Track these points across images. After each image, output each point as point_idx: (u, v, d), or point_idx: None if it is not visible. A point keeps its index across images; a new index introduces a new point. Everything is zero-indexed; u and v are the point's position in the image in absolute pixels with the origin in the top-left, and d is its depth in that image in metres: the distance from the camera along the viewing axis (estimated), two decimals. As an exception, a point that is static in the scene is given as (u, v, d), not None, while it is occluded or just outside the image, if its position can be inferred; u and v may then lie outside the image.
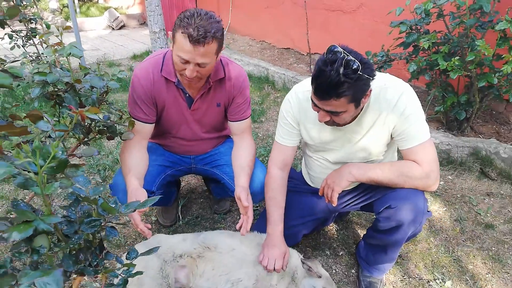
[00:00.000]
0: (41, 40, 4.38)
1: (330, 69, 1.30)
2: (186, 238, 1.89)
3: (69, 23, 8.16)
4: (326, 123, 1.52)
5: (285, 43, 5.64)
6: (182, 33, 1.55)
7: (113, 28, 8.69)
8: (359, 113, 1.56)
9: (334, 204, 1.63)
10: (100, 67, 1.66)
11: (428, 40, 2.72)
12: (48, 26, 4.42)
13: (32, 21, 4.13)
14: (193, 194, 2.65)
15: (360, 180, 1.61)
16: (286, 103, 1.75)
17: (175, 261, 1.77)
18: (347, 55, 1.30)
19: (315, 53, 4.97)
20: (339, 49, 1.33)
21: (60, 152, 0.71)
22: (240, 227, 1.75)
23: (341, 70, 1.29)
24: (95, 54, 6.19)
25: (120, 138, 1.59)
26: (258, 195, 1.99)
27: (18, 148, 0.70)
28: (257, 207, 2.49)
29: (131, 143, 1.81)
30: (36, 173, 0.71)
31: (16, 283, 0.67)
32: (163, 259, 1.74)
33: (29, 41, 4.31)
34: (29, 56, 3.73)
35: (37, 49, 4.39)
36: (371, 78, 1.37)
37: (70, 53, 1.36)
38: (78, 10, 9.28)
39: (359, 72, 1.30)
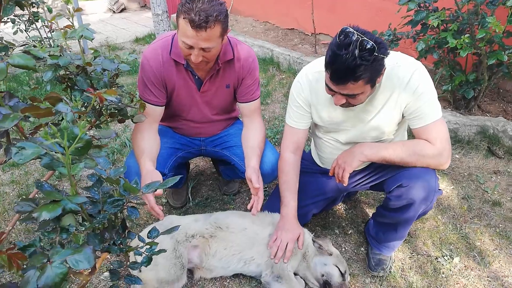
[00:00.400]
0: (43, 24, 4.37)
1: (345, 53, 1.29)
2: (198, 218, 1.93)
3: (69, 7, 8.07)
4: (341, 105, 1.52)
5: (289, 23, 5.57)
6: (184, 18, 1.53)
7: (114, 11, 8.59)
8: (370, 95, 1.56)
9: (345, 184, 1.64)
10: (104, 51, 1.66)
11: (437, 18, 2.68)
12: (50, 10, 4.39)
13: (34, 5, 4.09)
14: (202, 176, 2.68)
15: (372, 160, 1.62)
16: (297, 85, 1.74)
17: (188, 241, 1.81)
18: (361, 37, 1.29)
19: (320, 33, 4.91)
20: (352, 30, 1.31)
21: (86, 133, 0.72)
22: (251, 208, 1.77)
23: (357, 52, 1.28)
24: (97, 38, 6.11)
25: (132, 121, 1.60)
26: (269, 176, 2.00)
27: (43, 129, 0.71)
28: (266, 187, 2.51)
29: (142, 126, 1.82)
30: (62, 154, 0.72)
31: (48, 260, 0.69)
32: (176, 239, 1.78)
33: (31, 26, 4.28)
34: (32, 40, 3.70)
35: (39, 33, 4.36)
36: (385, 57, 1.36)
37: (82, 36, 1.35)
38: (78, -7, 9.14)
39: (375, 53, 1.29)
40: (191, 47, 1.60)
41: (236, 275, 1.87)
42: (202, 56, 1.64)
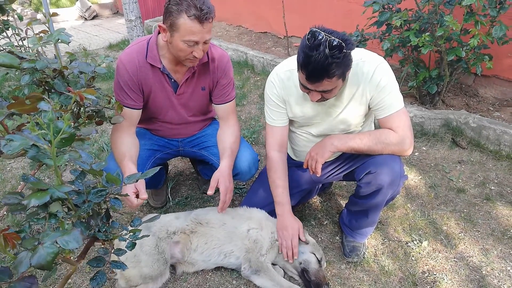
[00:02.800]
0: (14, 32, 4.31)
1: (317, 53, 1.38)
2: (179, 216, 1.98)
3: (39, 15, 7.94)
4: (317, 100, 1.61)
5: (262, 27, 5.68)
6: (188, 17, 1.59)
7: (85, 19, 8.51)
8: (342, 87, 1.65)
9: (318, 175, 1.74)
10: (78, 57, 1.70)
11: (400, 18, 2.84)
12: (20, 18, 4.34)
13: (4, 13, 4.03)
14: (181, 177, 2.73)
15: (341, 150, 1.73)
16: (269, 84, 1.83)
17: (169, 237, 1.86)
18: (329, 36, 1.39)
19: (292, 36, 5.05)
20: (319, 30, 1.41)
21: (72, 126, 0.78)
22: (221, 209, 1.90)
23: (327, 52, 1.37)
24: (70, 45, 6.07)
25: (110, 122, 1.64)
26: (246, 174, 2.08)
27: (30, 122, 0.76)
28: (244, 185, 2.58)
29: (120, 129, 1.86)
30: (49, 144, 0.78)
31: (39, 243, 0.74)
32: (157, 236, 1.83)
33: (2, 34, 4.22)
34: (5, 48, 3.66)
35: (10, 41, 4.30)
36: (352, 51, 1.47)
37: (59, 39, 1.40)
38: (48, 0, 9.01)
39: (344, 50, 1.39)
40: (195, 44, 1.66)
41: (217, 268, 1.93)
42: (202, 51, 1.70)
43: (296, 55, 1.55)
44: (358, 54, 1.63)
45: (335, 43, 1.38)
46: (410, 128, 1.68)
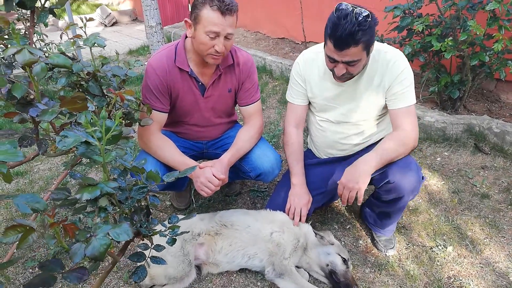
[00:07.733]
0: (39, 38, 4.46)
1: (345, 22, 1.48)
2: (203, 217, 2.01)
3: (61, 22, 8.15)
4: (341, 77, 1.68)
5: (279, 33, 5.72)
6: (210, 7, 1.67)
7: (105, 25, 8.70)
8: (365, 65, 1.71)
9: (360, 203, 1.73)
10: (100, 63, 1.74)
11: (421, 23, 2.84)
12: (45, 24, 4.48)
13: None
14: (203, 179, 2.76)
15: (378, 167, 1.69)
16: (295, 65, 1.97)
17: (194, 239, 1.89)
18: (355, 7, 1.50)
19: (310, 42, 5.07)
20: (346, 4, 1.53)
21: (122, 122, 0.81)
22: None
23: (354, 20, 1.48)
24: (92, 51, 6.21)
25: (139, 124, 1.68)
26: (270, 174, 2.10)
27: (84, 118, 0.80)
28: (265, 188, 2.60)
29: (149, 132, 1.90)
30: (99, 140, 0.81)
31: (91, 235, 0.78)
32: (182, 238, 1.85)
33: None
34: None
35: (35, 46, 4.43)
36: (376, 25, 1.58)
37: (95, 43, 1.45)
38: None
39: (369, 19, 1.49)
40: (216, 36, 1.71)
41: (242, 270, 1.95)
42: (224, 46, 1.75)
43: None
44: (380, 46, 1.76)
45: (361, 12, 1.50)
46: (416, 123, 1.78)
